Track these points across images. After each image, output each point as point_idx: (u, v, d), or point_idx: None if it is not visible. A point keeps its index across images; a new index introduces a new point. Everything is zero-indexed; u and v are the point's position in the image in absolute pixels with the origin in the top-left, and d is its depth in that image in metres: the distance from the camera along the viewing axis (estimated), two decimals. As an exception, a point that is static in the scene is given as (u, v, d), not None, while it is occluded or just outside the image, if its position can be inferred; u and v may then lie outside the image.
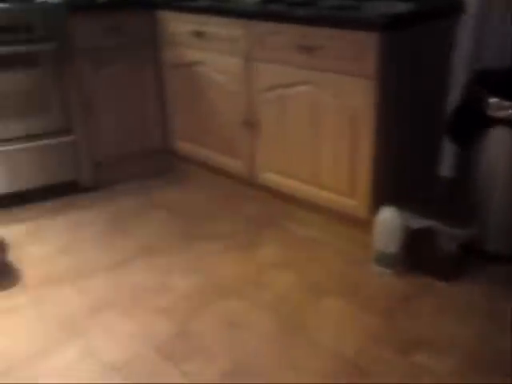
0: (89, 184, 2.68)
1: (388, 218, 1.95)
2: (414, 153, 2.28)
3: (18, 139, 2.45)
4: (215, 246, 2.23)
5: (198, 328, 1.76)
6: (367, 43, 1.86)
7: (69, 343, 1.70)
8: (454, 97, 2.28)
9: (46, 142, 2.51)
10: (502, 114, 1.88)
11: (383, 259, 1.99)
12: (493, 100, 1.89)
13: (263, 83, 2.26)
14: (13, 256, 2.12)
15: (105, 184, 2.72)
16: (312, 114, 2.13)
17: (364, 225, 2.08)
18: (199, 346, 1.68)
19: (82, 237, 2.32)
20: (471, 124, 1.99)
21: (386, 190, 2.09)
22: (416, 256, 1.98)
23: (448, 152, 2.40)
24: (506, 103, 1.86)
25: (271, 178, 2.40)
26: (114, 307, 1.87)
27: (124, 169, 2.76)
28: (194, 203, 2.61)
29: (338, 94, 2.01)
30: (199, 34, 2.45)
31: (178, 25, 2.54)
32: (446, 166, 2.44)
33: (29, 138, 2.47)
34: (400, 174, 2.20)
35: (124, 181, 2.77)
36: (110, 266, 2.11)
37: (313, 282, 1.98)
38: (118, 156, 2.72)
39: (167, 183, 2.81)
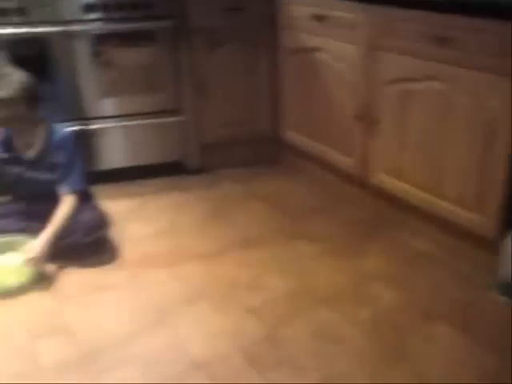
0: (194, 166, 2.65)
1: (520, 241, 1.67)
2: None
3: (131, 116, 2.47)
4: (313, 249, 2.08)
5: (287, 335, 1.63)
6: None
7: (158, 330, 1.66)
8: None
9: (156, 120, 2.50)
10: None
11: (508, 288, 1.72)
12: None
13: (385, 75, 2.05)
14: (114, 232, 2.13)
15: (209, 168, 2.68)
16: (439, 114, 1.89)
17: (489, 245, 1.81)
18: (286, 354, 1.55)
19: (180, 220, 2.29)
20: None
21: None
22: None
23: None
24: None
25: (384, 179, 2.19)
26: (206, 299, 1.80)
27: (229, 154, 2.69)
28: (296, 198, 2.48)
29: (473, 94, 1.75)
30: (319, 18, 2.28)
31: (299, 8, 2.39)
32: None
33: (141, 115, 2.48)
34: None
35: (228, 166, 2.71)
36: (206, 254, 2.05)
37: (421, 303, 1.76)
38: (225, 140, 2.65)
39: (271, 173, 2.70)
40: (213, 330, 1.66)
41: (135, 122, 2.48)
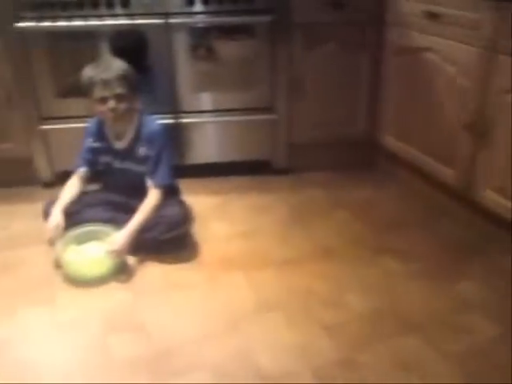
0: (280, 167, 2.57)
1: None
2: None
3: (223, 111, 2.43)
4: (401, 267, 1.91)
5: (363, 359, 1.51)
6: None
7: (228, 337, 1.61)
8: None
9: (248, 117, 2.44)
10: None
11: None
12: None
13: (504, 83, 1.82)
14: (195, 229, 2.11)
15: (296, 169, 2.58)
16: None
17: None
18: (359, 380, 1.44)
19: (261, 223, 2.22)
20: None
21: None
22: None
23: None
24: None
25: (489, 196, 1.96)
26: (280, 310, 1.72)
27: (318, 156, 2.57)
28: (387, 208, 2.31)
29: None
30: (433, 16, 2.08)
31: (410, 3, 2.20)
32: None
33: (233, 111, 2.43)
34: None
35: (315, 169, 2.59)
36: (283, 261, 1.96)
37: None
38: (315, 142, 2.54)
39: (362, 180, 2.55)
40: (283, 344, 1.58)
41: (227, 118, 2.44)
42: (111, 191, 2.10)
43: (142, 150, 2.00)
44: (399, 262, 1.94)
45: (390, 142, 2.48)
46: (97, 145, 2.04)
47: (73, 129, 2.25)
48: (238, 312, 1.71)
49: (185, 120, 2.40)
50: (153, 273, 1.91)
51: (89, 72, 1.87)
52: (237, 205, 2.34)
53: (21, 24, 2.13)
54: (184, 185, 2.21)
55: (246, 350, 1.56)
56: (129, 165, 2.04)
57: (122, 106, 1.89)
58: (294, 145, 2.53)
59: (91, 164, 2.05)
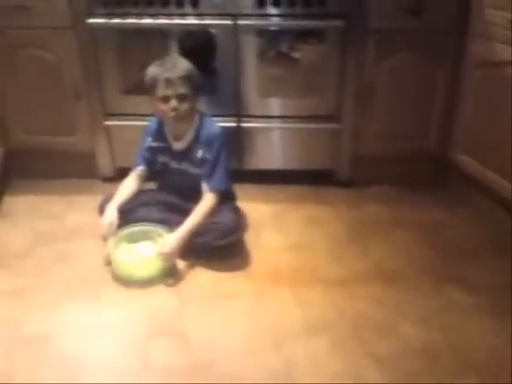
0: (342, 178, 2.45)
1: None
2: None
3: (286, 118, 2.35)
4: (466, 299, 1.76)
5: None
6: None
7: (271, 355, 1.54)
8: None
9: (312, 125, 2.35)
10: None
11: None
12: None
13: None
14: (248, 237, 2.04)
15: (359, 182, 2.45)
16: None
17: None
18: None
19: (316, 236, 2.12)
20: None
21: None
22: None
23: None
24: None
25: None
26: (327, 333, 1.62)
27: (384, 170, 2.43)
28: (455, 232, 2.14)
29: None
30: (521, 28, 1.90)
31: (497, 12, 2.02)
32: None
33: (297, 118, 2.35)
34: None
35: (380, 183, 2.44)
36: (335, 281, 1.86)
37: None
38: (382, 154, 2.40)
39: (429, 199, 2.38)
40: (327, 371, 1.49)
41: (290, 125, 2.36)
42: (167, 192, 2.08)
43: (200, 153, 1.96)
44: (463, 293, 1.78)
45: (464, 160, 2.30)
46: (155, 144, 2.02)
47: (135, 126, 2.24)
48: (283, 330, 1.64)
49: (247, 124, 2.34)
50: (201, 279, 1.86)
51: (153, 70, 1.86)
52: (292, 215, 2.26)
53: (92, 20, 2.15)
54: (240, 190, 2.16)
55: (287, 372, 1.48)
56: (186, 166, 2.00)
57: (184, 106, 1.86)
58: (358, 156, 2.41)
59: (149, 163, 2.04)
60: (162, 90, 1.84)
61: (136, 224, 1.96)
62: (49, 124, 2.37)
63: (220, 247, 1.90)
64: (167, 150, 2.01)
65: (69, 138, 2.40)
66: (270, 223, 2.19)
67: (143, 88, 1.91)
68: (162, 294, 1.79)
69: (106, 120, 2.36)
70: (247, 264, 1.93)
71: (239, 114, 2.33)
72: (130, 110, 2.33)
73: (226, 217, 1.92)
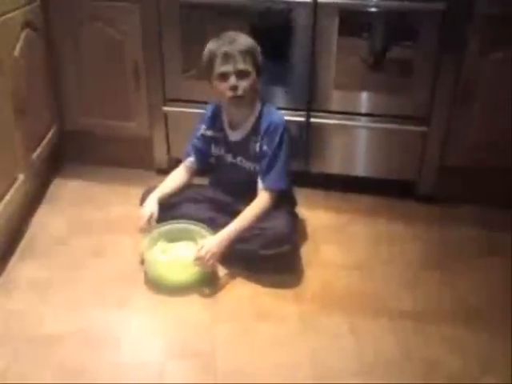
0: (424, 192, 2.08)
1: None
2: None
3: (362, 115, 2.03)
4: None
5: None
6: None
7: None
8: None
9: (393, 126, 2.00)
10: None
11: None
12: None
13: None
14: (303, 248, 1.75)
15: (445, 198, 2.07)
16: None
17: None
18: None
19: (385, 256, 1.78)
20: None
21: None
22: None
23: None
24: None
25: None
26: (387, 378, 1.31)
27: (478, 185, 2.04)
28: None
29: None
30: None
31: None
32: None
33: (375, 116, 2.02)
34: None
35: (472, 200, 2.04)
36: (405, 314, 1.52)
37: None
38: (477, 166, 2.01)
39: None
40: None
41: (368, 124, 2.03)
42: (218, 189, 1.85)
43: (258, 145, 1.71)
44: None
45: None
46: (210, 133, 1.79)
47: (194, 114, 2.02)
48: (332, 367, 1.34)
49: (317, 120, 2.05)
50: (241, 293, 1.60)
51: (211, 45, 1.64)
52: (359, 229, 1.93)
53: (158, -8, 1.96)
54: (302, 195, 1.88)
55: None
56: (241, 160, 1.77)
57: (244, 84, 1.62)
58: (446, 167, 2.03)
59: (201, 154, 1.81)
60: (219, 66, 1.61)
61: (178, 221, 1.73)
62: (106, 106, 2.21)
63: (268, 257, 1.62)
64: (222, 141, 1.78)
65: (126, 123, 2.23)
66: (331, 235, 1.88)
67: (204, 72, 1.69)
68: (193, 305, 1.55)
69: (166, 105, 2.16)
70: (297, 281, 1.64)
71: (310, 107, 2.04)
72: (191, 95, 2.12)
73: (279, 223, 1.64)
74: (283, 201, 1.75)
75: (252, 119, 1.72)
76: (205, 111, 1.83)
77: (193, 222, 1.73)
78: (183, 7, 1.99)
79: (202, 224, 1.71)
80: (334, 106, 2.04)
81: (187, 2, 1.98)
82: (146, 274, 1.64)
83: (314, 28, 1.91)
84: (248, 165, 1.75)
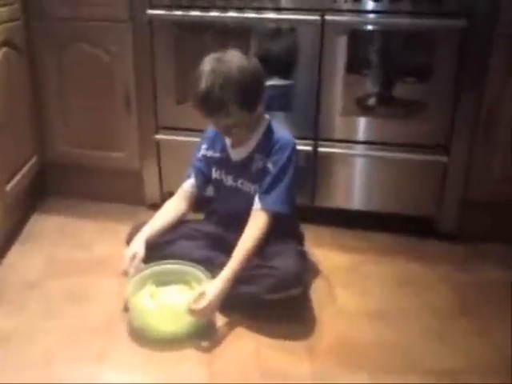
0: (447, 229, 1.87)
1: None
2: None
3: (374, 144, 1.84)
4: None
5: None
6: None
7: None
8: None
9: (407, 155, 1.81)
10: None
11: None
12: None
13: None
14: (315, 293, 1.52)
15: (469, 236, 1.85)
16: None
17: None
18: None
19: (407, 303, 1.55)
20: None
21: None
22: None
23: None
24: None
25: None
26: None
27: (506, 221, 1.83)
28: None
29: None
30: None
31: None
32: None
33: (388, 145, 1.83)
34: None
35: (501, 238, 1.82)
36: (437, 371, 1.28)
37: None
38: (504, 201, 1.80)
39: None
40: None
41: (380, 153, 1.84)
42: (214, 221, 1.64)
43: (261, 163, 1.51)
44: None
45: None
46: (210, 154, 1.60)
47: (189, 143, 1.83)
48: None
49: (325, 149, 1.86)
50: (243, 346, 1.35)
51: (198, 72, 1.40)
52: (377, 270, 1.71)
53: (152, 11, 1.80)
54: (308, 231, 1.66)
55: None
56: (242, 183, 1.56)
57: (237, 132, 1.47)
58: (469, 201, 1.82)
59: (203, 176, 1.61)
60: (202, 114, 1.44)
61: (169, 261, 1.51)
62: (93, 135, 2.02)
63: (274, 303, 1.39)
64: (223, 163, 1.58)
65: (114, 153, 2.03)
66: (346, 278, 1.66)
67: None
68: (186, 362, 1.30)
69: (158, 133, 1.97)
70: (309, 331, 1.40)
71: (317, 136, 1.85)
72: (186, 123, 1.93)
73: (285, 262, 1.42)
74: (290, 237, 1.54)
75: (257, 137, 1.52)
76: (206, 129, 1.64)
77: (186, 262, 1.50)
78: (178, 26, 1.83)
79: (197, 265, 1.48)
80: (344, 135, 1.85)
81: (183, 20, 1.82)
82: (130, 323, 1.40)
83: (321, 48, 1.75)
84: (249, 187, 1.54)
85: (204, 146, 1.61)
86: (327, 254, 1.76)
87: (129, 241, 1.55)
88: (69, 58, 1.93)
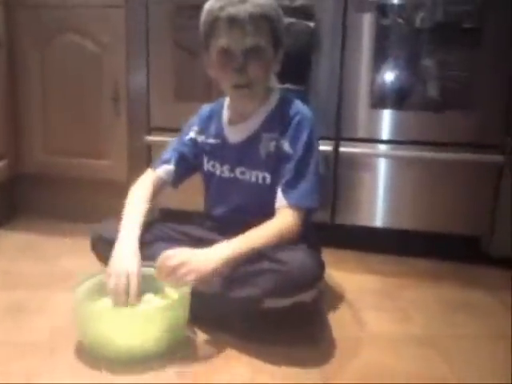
0: (499, 252, 1.47)
1: None
2: None
3: (411, 144, 1.51)
4: None
5: None
6: None
7: None
8: None
9: (451, 155, 1.47)
10: None
11: None
12: None
13: None
14: (337, 315, 1.13)
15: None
16: None
17: None
18: None
19: (454, 328, 1.16)
20: None
21: None
22: None
23: None
24: None
25: None
26: None
27: None
28: None
29: None
30: None
31: None
32: None
33: (428, 145, 1.49)
34: None
35: None
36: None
37: None
38: None
39: None
40: None
41: (414, 154, 1.50)
42: (208, 225, 1.26)
43: (273, 145, 1.15)
44: None
45: None
46: (202, 139, 1.25)
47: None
48: None
49: (348, 149, 1.53)
50: (236, 374, 0.94)
51: (211, 3, 1.11)
52: (416, 296, 1.31)
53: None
54: (326, 255, 1.24)
55: None
56: (243, 172, 1.19)
57: (255, 66, 1.10)
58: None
59: (186, 165, 1.25)
60: (221, 37, 1.09)
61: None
62: (76, 139, 1.75)
63: (278, 313, 0.99)
64: (218, 150, 1.23)
65: (99, 161, 1.74)
66: (378, 302, 1.27)
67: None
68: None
69: (150, 134, 1.67)
70: (327, 358, 0.99)
71: (339, 134, 1.53)
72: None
73: (295, 256, 1.03)
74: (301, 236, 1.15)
75: (264, 111, 1.18)
76: (200, 110, 1.30)
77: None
78: (180, 11, 1.60)
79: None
80: (371, 133, 1.53)
81: (185, 3, 1.58)
82: (80, 338, 1.01)
83: (344, 28, 1.48)
84: (253, 175, 1.17)
85: (195, 128, 1.27)
86: (352, 277, 1.38)
87: (95, 248, 1.20)
88: (53, 50, 1.71)
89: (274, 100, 1.19)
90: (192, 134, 1.26)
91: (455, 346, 1.07)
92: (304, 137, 1.13)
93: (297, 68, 1.54)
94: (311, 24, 1.51)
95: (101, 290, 1.05)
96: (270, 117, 1.17)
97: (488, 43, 1.41)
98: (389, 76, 1.51)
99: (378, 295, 1.30)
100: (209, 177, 1.25)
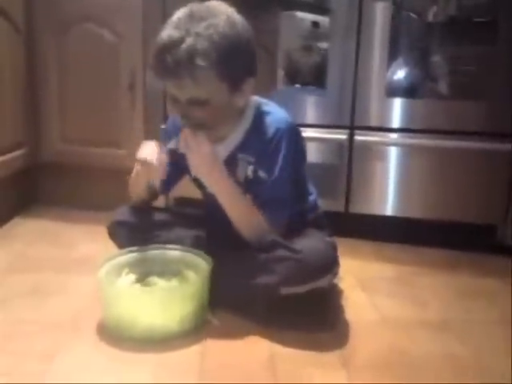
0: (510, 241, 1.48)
1: None
2: None
3: (426, 132, 1.51)
4: None
5: None
6: None
7: None
8: None
9: (466, 143, 1.48)
10: None
11: None
12: None
13: None
14: (348, 300, 1.14)
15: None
16: None
17: None
18: None
19: (469, 312, 1.17)
20: None
21: None
22: None
23: None
24: None
25: None
26: None
27: None
28: None
29: None
30: None
31: None
32: None
33: (442, 133, 1.50)
34: None
35: None
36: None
37: None
38: None
39: None
40: None
41: (428, 142, 1.51)
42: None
43: (250, 169, 1.10)
44: None
45: None
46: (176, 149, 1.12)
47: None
48: None
49: (363, 138, 1.53)
50: (255, 355, 0.95)
51: (158, 41, 0.99)
52: (431, 282, 1.32)
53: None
54: (340, 245, 1.24)
55: None
56: None
57: (200, 113, 1.02)
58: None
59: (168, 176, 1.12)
60: (167, 83, 1.02)
61: (153, 246, 1.15)
62: (93, 131, 1.76)
63: (298, 299, 1.01)
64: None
65: (116, 151, 1.75)
66: (393, 288, 1.29)
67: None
68: (175, 369, 0.91)
69: (166, 123, 1.69)
70: (340, 343, 1.00)
71: (353, 123, 1.54)
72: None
73: (311, 243, 1.06)
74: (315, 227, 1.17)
75: (240, 131, 1.10)
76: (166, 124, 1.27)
77: (177, 246, 1.14)
78: None
79: (190, 248, 1.13)
80: (387, 121, 1.53)
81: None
82: (102, 318, 1.04)
83: (359, 15, 1.48)
84: None
85: (174, 139, 1.11)
86: (367, 265, 1.40)
87: (112, 236, 1.21)
88: (70, 39, 1.72)
89: (248, 118, 1.10)
90: (172, 145, 1.12)
91: (470, 330, 1.08)
92: (281, 157, 1.06)
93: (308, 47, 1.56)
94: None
95: (121, 271, 1.08)
96: (246, 138, 1.10)
97: (502, 35, 1.41)
98: (403, 66, 1.51)
99: (394, 282, 1.31)
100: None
